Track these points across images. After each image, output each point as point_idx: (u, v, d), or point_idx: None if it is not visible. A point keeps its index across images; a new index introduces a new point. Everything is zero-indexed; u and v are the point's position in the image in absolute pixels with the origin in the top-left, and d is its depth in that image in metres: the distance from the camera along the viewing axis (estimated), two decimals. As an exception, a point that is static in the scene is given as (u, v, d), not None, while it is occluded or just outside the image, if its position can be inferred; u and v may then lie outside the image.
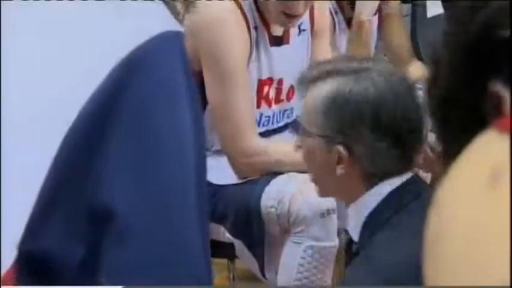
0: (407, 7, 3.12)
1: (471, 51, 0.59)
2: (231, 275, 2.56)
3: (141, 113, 0.62)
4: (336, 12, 2.71)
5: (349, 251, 2.58)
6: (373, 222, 1.60)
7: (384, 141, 1.58)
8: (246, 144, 2.26)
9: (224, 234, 2.32)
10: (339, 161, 1.60)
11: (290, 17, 2.23)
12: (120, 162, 0.60)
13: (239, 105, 2.23)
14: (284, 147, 2.28)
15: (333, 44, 2.63)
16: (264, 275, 2.31)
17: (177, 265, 0.63)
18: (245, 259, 2.34)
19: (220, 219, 2.32)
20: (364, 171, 1.60)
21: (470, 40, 0.59)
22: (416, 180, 1.66)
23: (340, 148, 1.59)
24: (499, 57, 0.57)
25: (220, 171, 2.31)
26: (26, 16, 0.71)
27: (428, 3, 3.29)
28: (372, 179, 1.62)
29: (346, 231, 2.43)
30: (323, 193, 1.83)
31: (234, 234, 2.28)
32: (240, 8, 2.24)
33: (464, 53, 0.60)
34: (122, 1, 0.70)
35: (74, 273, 0.59)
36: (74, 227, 0.59)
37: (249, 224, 2.26)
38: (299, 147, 1.75)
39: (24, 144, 0.60)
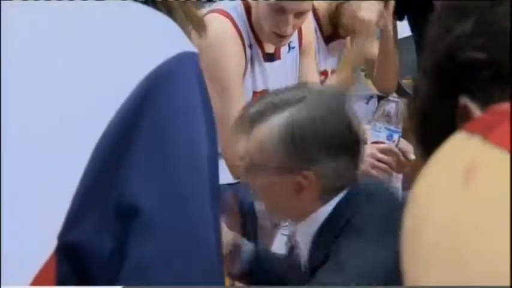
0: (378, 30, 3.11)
1: (440, 73, 0.59)
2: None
3: (162, 124, 0.62)
4: (316, 31, 2.68)
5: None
6: (333, 227, 1.51)
7: (339, 157, 1.51)
8: (240, 149, 2.34)
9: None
10: (300, 188, 1.50)
11: (280, 37, 2.26)
12: (144, 167, 0.61)
13: (234, 114, 2.22)
14: None
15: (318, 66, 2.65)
16: None
17: (193, 255, 0.63)
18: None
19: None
20: (323, 190, 1.51)
21: (438, 64, 0.59)
22: (355, 182, 1.57)
23: (301, 177, 1.48)
24: (465, 77, 0.57)
25: (220, 172, 2.41)
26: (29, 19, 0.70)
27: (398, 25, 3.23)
28: (330, 195, 1.53)
29: None
30: (279, 217, 1.81)
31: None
32: (236, 27, 2.27)
33: (434, 75, 0.60)
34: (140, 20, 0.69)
35: (103, 263, 0.60)
36: (104, 222, 0.59)
37: (244, 219, 2.25)
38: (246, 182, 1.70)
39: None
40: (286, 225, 2.20)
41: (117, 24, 0.67)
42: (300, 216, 1.54)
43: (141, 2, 0.68)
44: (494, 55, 0.55)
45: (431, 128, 0.62)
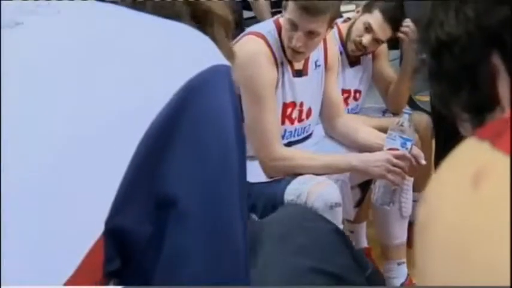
0: (392, 52, 3.14)
1: (483, 28, 0.56)
2: None
3: (197, 127, 0.61)
4: (341, 53, 2.71)
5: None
6: None
7: None
8: (273, 151, 2.32)
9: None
10: None
11: (295, 52, 2.28)
12: (181, 164, 0.60)
13: (268, 122, 2.30)
14: (303, 155, 2.37)
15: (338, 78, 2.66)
16: None
17: (222, 241, 0.63)
18: None
19: (252, 209, 2.35)
20: None
21: (482, 19, 0.56)
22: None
23: None
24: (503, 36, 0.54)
25: (252, 172, 2.30)
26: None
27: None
28: None
29: (348, 220, 2.56)
30: None
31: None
32: (269, 47, 2.29)
33: (478, 28, 0.56)
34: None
35: (143, 247, 0.59)
36: (145, 210, 0.59)
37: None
38: None
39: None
40: None
41: (164, 40, 0.66)
42: None
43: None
44: None
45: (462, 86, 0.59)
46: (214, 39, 0.73)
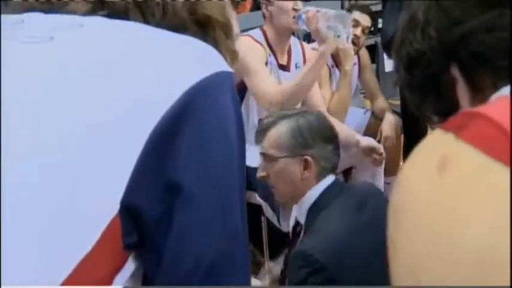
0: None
1: (444, 44, 0.56)
2: (264, 225, 2.59)
3: (201, 124, 0.60)
4: (333, 66, 2.85)
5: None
6: (317, 208, 1.64)
7: (330, 145, 1.71)
8: (273, 97, 2.36)
9: (256, 198, 2.44)
10: (305, 166, 1.66)
11: (295, 20, 2.43)
12: (187, 156, 0.59)
13: (261, 78, 2.40)
14: (294, 80, 2.39)
15: (331, 87, 2.80)
16: (280, 224, 2.40)
17: (223, 222, 0.61)
18: (269, 214, 2.44)
19: (253, 188, 2.43)
20: (321, 168, 1.67)
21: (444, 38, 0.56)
22: (337, 176, 1.75)
23: (307, 157, 1.66)
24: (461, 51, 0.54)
25: (253, 158, 2.28)
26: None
27: (386, 62, 3.51)
28: (324, 173, 1.69)
29: None
30: (285, 199, 1.82)
31: (262, 197, 2.41)
32: (257, 42, 2.47)
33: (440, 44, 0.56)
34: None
35: (153, 224, 0.58)
36: (156, 193, 0.57)
37: (271, 192, 2.25)
38: (263, 176, 1.78)
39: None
40: None
41: (174, 49, 0.66)
42: (300, 195, 1.67)
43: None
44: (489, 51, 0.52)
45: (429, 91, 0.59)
46: (216, 41, 0.73)
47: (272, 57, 2.48)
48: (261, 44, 2.45)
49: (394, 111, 3.06)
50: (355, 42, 2.87)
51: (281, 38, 2.53)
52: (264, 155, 1.77)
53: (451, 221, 0.38)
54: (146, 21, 0.69)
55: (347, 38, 2.31)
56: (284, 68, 2.52)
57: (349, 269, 1.45)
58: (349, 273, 1.46)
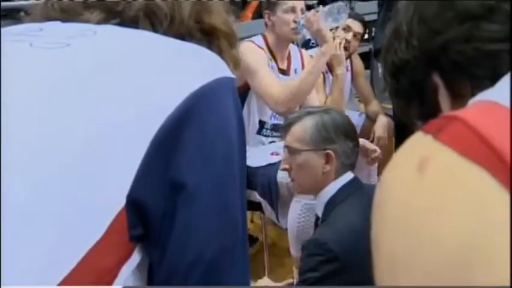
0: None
1: (426, 52, 0.57)
2: (262, 221, 2.65)
3: (204, 126, 0.60)
4: (327, 72, 2.87)
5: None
6: (334, 202, 1.65)
7: (351, 142, 1.72)
8: (277, 97, 2.38)
9: (256, 196, 2.45)
10: (327, 160, 1.67)
11: (294, 31, 2.48)
12: (190, 155, 0.59)
13: (265, 80, 2.41)
14: (291, 82, 2.42)
15: (325, 92, 2.82)
16: (279, 221, 2.42)
17: (224, 217, 0.62)
18: (268, 212, 2.45)
19: (253, 187, 2.45)
20: (341, 164, 1.67)
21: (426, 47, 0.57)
22: (355, 175, 1.73)
23: (330, 151, 1.67)
24: (442, 58, 0.55)
25: (254, 158, 2.43)
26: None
27: (379, 68, 3.51)
28: (343, 170, 1.69)
29: None
30: (304, 192, 1.83)
31: (262, 195, 2.43)
32: (260, 47, 2.49)
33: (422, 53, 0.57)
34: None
35: (158, 219, 0.58)
36: (160, 189, 0.58)
37: (270, 190, 2.39)
38: (286, 168, 1.77)
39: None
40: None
41: (177, 56, 0.66)
42: (319, 188, 1.67)
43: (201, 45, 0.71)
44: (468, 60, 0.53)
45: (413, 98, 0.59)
46: (220, 49, 0.74)
47: (273, 62, 2.51)
48: (262, 49, 2.49)
49: (387, 114, 3.10)
50: (346, 47, 2.93)
51: (281, 44, 2.57)
52: (287, 148, 1.77)
53: (428, 220, 0.38)
54: (155, 29, 0.71)
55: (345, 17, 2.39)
56: (284, 72, 2.54)
57: (360, 263, 1.42)
58: (358, 267, 1.42)
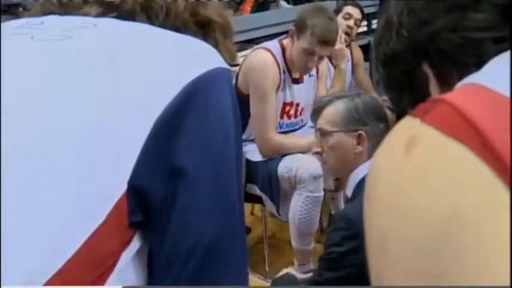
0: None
1: (414, 42, 0.58)
2: (263, 214, 2.64)
3: (202, 113, 0.61)
4: (327, 64, 2.85)
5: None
6: (364, 183, 1.67)
7: (382, 123, 1.71)
8: (268, 137, 2.42)
9: (256, 190, 2.48)
10: (358, 142, 1.67)
11: (308, 69, 2.44)
12: (189, 142, 0.60)
13: (267, 115, 2.41)
14: (290, 139, 2.47)
15: (326, 85, 2.80)
16: (279, 214, 2.45)
17: (221, 203, 0.62)
18: (268, 205, 2.48)
19: (254, 181, 2.47)
20: (372, 145, 1.66)
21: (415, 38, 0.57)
22: None
23: (361, 132, 1.67)
24: (431, 48, 0.56)
25: (254, 153, 2.47)
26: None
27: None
28: (374, 151, 1.70)
29: (330, 190, 2.57)
30: (336, 174, 1.83)
31: (262, 190, 2.45)
32: (275, 58, 2.42)
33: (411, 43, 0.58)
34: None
35: (158, 205, 0.59)
36: (160, 176, 0.58)
37: (270, 184, 2.41)
38: (318, 152, 1.76)
39: None
40: (300, 188, 2.32)
41: (178, 47, 0.68)
42: (351, 170, 1.66)
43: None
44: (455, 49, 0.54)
45: (404, 88, 0.60)
46: (215, 41, 0.75)
47: (287, 73, 2.48)
48: (276, 59, 2.43)
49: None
50: (348, 32, 2.97)
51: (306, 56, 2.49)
52: (319, 130, 1.77)
53: (412, 195, 0.39)
54: (151, 22, 0.73)
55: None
56: (297, 81, 2.53)
57: None
58: None
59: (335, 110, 1.72)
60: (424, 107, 0.43)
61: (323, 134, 1.74)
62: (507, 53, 0.46)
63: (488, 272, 0.34)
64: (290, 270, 1.89)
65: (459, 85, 0.46)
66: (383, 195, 0.41)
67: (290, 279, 1.78)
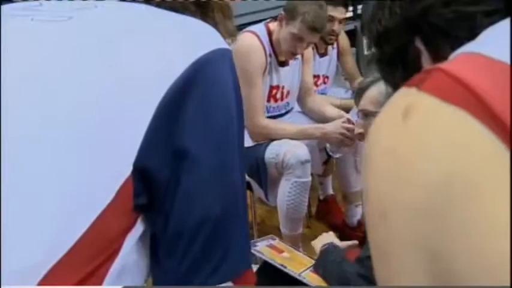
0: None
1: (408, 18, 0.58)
2: (252, 200, 2.61)
3: (204, 94, 0.61)
4: (313, 49, 2.86)
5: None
6: None
7: None
8: (257, 122, 2.43)
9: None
10: None
11: (294, 54, 2.46)
12: (192, 123, 0.60)
13: (255, 99, 2.42)
14: (280, 125, 2.49)
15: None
16: (268, 200, 2.47)
17: (224, 184, 0.63)
18: (256, 190, 2.49)
19: None
20: None
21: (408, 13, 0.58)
22: None
23: None
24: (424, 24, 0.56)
25: None
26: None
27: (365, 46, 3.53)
28: None
29: (318, 175, 2.60)
30: None
31: (250, 175, 2.43)
32: (261, 42, 2.43)
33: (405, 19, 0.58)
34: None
35: (162, 186, 0.59)
36: (164, 157, 0.59)
37: (258, 169, 2.42)
38: (361, 133, 1.76)
39: None
40: (288, 173, 2.33)
41: (179, 28, 0.68)
42: None
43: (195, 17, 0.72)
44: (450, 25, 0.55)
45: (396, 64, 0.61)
46: (215, 21, 0.75)
47: (273, 56, 2.49)
48: (262, 42, 2.45)
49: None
50: (332, 35, 2.91)
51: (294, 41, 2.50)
52: (362, 111, 1.77)
53: (410, 158, 0.39)
54: (149, 1, 0.73)
55: None
56: (283, 64, 2.54)
57: None
58: None
59: (378, 91, 1.70)
60: (420, 77, 0.44)
61: (366, 114, 1.72)
62: (500, 24, 0.47)
63: (490, 229, 0.35)
64: (330, 236, 1.82)
65: (454, 54, 0.47)
66: (379, 161, 0.42)
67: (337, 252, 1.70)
